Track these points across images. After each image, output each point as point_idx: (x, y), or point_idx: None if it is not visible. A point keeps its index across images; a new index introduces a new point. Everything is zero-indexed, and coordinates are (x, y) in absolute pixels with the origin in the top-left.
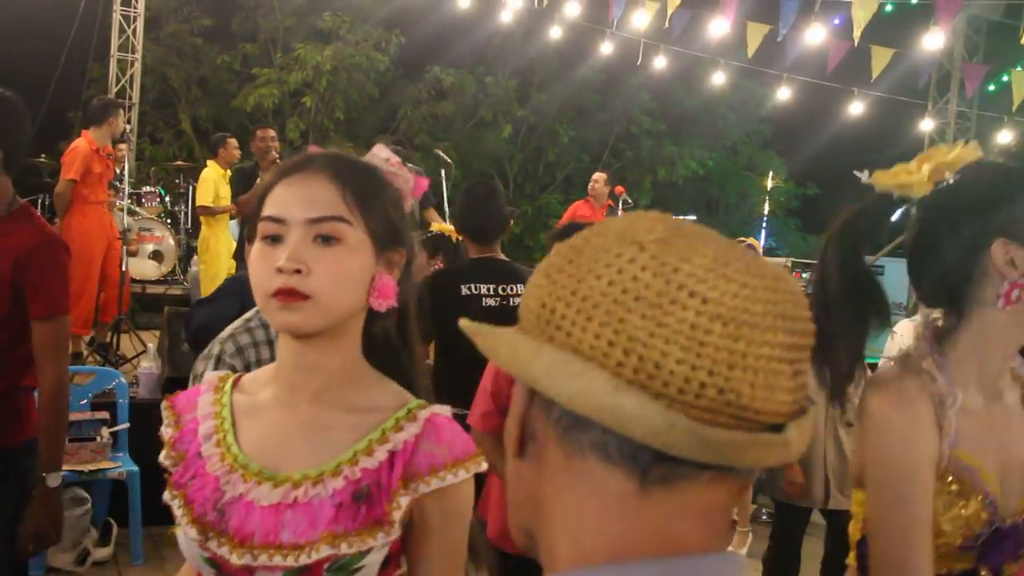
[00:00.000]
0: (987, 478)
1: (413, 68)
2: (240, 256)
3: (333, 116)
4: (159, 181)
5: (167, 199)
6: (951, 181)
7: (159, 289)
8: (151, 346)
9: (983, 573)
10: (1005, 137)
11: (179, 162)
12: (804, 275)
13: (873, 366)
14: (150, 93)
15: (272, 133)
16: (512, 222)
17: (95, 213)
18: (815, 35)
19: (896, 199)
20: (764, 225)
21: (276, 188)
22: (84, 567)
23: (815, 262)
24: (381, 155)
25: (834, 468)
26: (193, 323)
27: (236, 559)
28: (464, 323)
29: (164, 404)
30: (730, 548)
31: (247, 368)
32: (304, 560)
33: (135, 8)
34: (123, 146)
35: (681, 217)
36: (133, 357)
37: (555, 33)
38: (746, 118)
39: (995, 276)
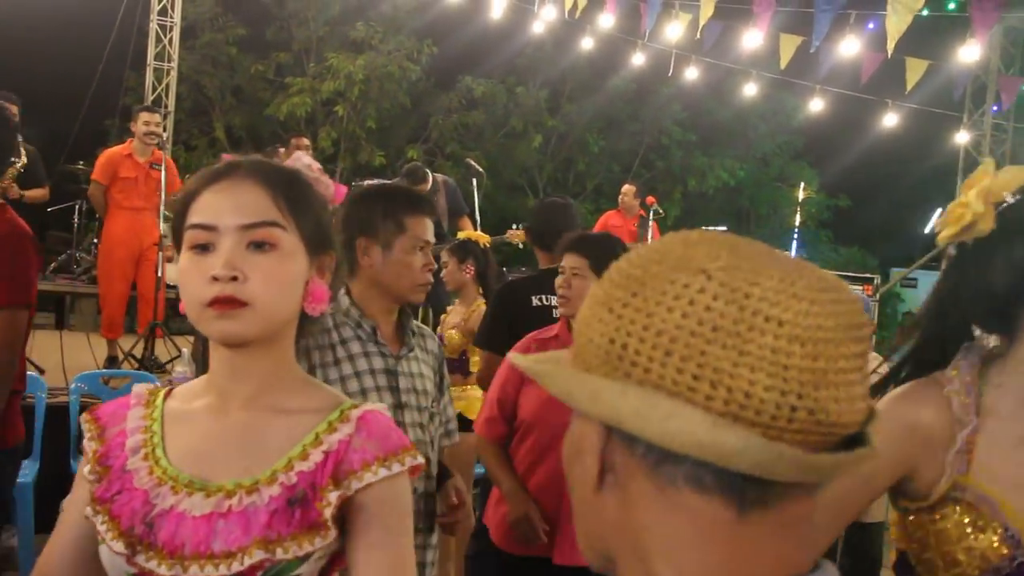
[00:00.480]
0: (1008, 511)
1: (445, 78)
2: None
3: (365, 125)
4: None
5: None
6: (1011, 202)
7: None
8: (185, 351)
9: None
10: None
11: None
12: None
13: None
14: (185, 102)
15: (306, 142)
16: None
17: (126, 219)
18: (849, 47)
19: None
20: (795, 236)
21: (202, 195)
22: None
23: (847, 274)
24: (303, 161)
25: None
26: None
27: (166, 571)
28: (519, 362)
29: (85, 417)
30: None
31: None
32: (236, 567)
33: (171, 18)
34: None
35: (712, 228)
36: (167, 362)
37: (587, 44)
38: (777, 129)
39: None
